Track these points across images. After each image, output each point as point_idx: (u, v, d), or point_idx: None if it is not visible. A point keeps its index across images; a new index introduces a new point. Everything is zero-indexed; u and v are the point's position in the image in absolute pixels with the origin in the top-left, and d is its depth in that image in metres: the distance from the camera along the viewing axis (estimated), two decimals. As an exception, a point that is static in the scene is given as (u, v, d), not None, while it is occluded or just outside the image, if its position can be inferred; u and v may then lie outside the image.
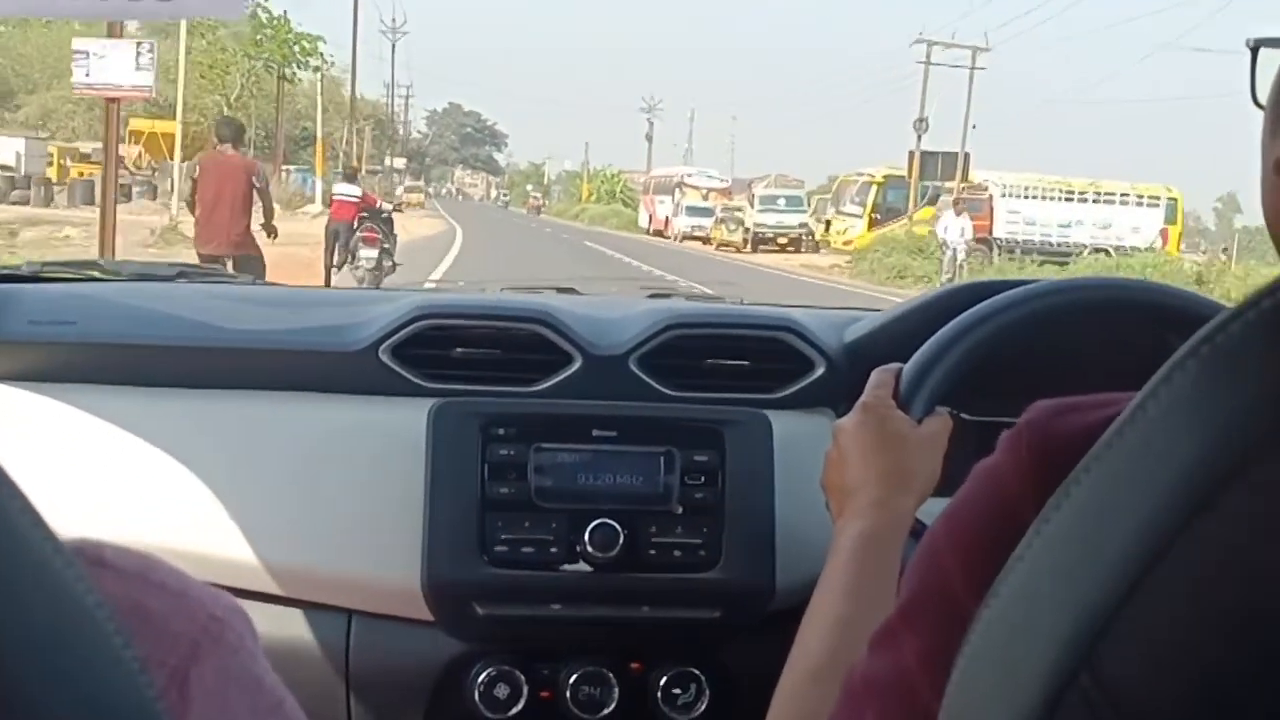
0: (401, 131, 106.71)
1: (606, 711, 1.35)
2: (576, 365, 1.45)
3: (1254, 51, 0.67)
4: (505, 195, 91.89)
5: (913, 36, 34.65)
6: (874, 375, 1.18)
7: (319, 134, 33.54)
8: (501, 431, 1.33)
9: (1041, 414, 0.61)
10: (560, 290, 1.91)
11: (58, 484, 1.32)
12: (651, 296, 1.90)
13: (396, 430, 1.37)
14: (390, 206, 15.40)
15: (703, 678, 1.36)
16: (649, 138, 77.06)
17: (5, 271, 1.74)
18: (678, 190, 43.05)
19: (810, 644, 0.96)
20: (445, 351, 1.45)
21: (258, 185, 8.95)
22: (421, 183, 75.85)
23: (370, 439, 1.39)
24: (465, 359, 1.45)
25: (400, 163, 78.09)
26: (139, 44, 10.50)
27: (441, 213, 51.88)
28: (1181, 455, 0.43)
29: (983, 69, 33.68)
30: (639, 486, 1.34)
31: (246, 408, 1.43)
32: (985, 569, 0.53)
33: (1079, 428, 0.57)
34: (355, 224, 12.86)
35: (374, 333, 1.45)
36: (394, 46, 69.04)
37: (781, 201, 35.38)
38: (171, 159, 30.05)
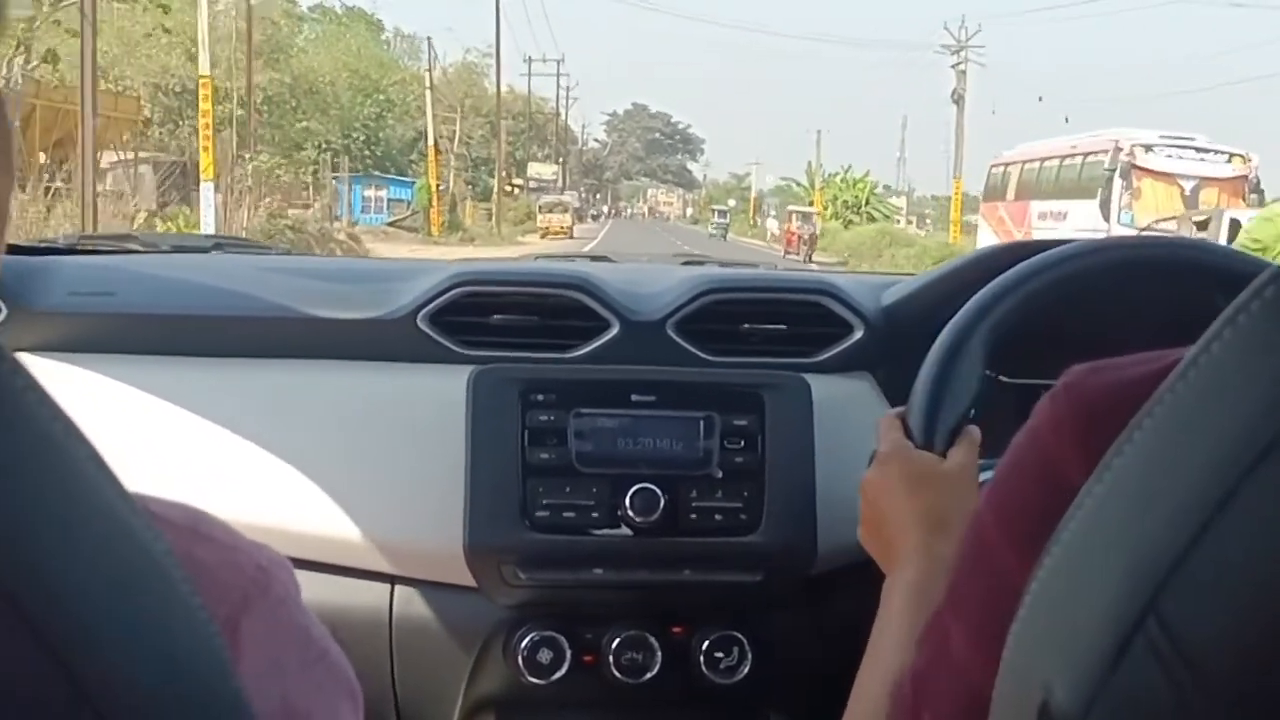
0: (580, 136, 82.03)
1: (649, 675, 1.35)
2: (614, 331, 1.45)
3: None
4: (723, 219, 53.19)
5: None
6: (880, 424, 1.14)
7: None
8: (541, 397, 1.34)
9: (1077, 375, 0.60)
10: (594, 258, 1.91)
11: (109, 460, 1.34)
12: (686, 264, 1.90)
13: (436, 397, 1.37)
14: None
15: (745, 641, 1.36)
16: (957, 98, 35.87)
17: (44, 244, 1.76)
18: (1119, 183, 19.29)
19: (865, 695, 0.94)
20: (483, 319, 1.45)
21: None
22: (568, 198, 49.24)
23: (410, 406, 1.39)
24: (503, 326, 1.45)
25: (547, 171, 57.08)
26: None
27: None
28: (1246, 399, 0.43)
29: None
30: (679, 451, 1.34)
31: (286, 376, 1.44)
32: (1034, 535, 0.53)
33: (1117, 382, 0.57)
34: None
35: (412, 300, 1.45)
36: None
37: None
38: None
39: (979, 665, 0.60)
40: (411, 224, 31.29)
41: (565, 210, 42.01)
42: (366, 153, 38.55)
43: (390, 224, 31.63)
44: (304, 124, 32.17)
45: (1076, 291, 1.18)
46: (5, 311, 1.42)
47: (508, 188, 47.71)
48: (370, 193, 36.20)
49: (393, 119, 39.55)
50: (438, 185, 31.53)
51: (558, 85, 67.43)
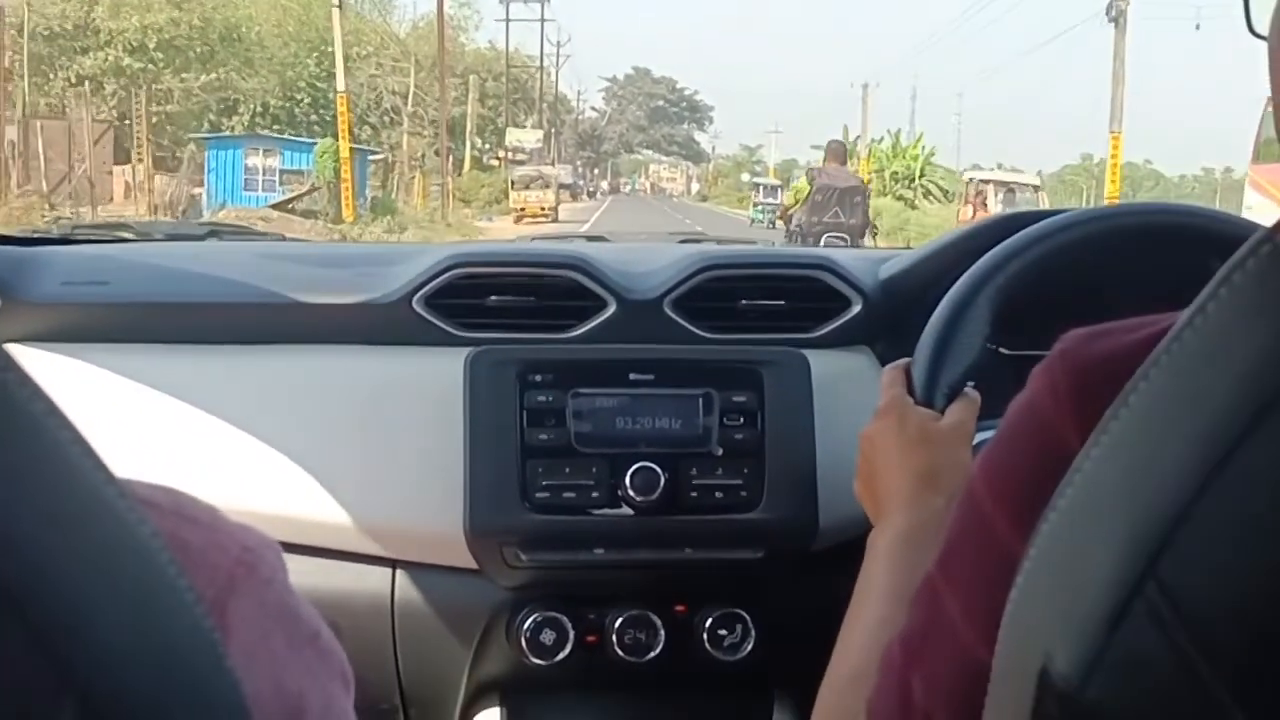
0: (576, 103, 70.58)
1: (652, 655, 1.35)
2: (611, 310, 1.44)
3: None
4: (772, 198, 32.84)
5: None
6: (884, 375, 1.15)
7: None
8: (538, 378, 1.33)
9: (1074, 341, 0.60)
10: (590, 239, 1.91)
11: (93, 443, 1.33)
12: (683, 242, 1.89)
13: (433, 380, 1.37)
14: None
15: (748, 618, 1.36)
16: (1116, 14, 18.86)
17: (36, 234, 1.75)
18: None
19: (850, 645, 0.94)
20: (479, 300, 1.44)
21: None
22: (552, 170, 36.38)
23: (407, 389, 1.39)
24: (500, 307, 1.44)
25: (530, 138, 45.31)
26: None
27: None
28: (1242, 359, 0.42)
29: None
30: (678, 429, 1.34)
31: (282, 362, 1.43)
32: (1028, 501, 0.53)
33: (1114, 347, 0.56)
34: None
35: (407, 283, 1.44)
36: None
37: None
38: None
39: (970, 629, 0.60)
40: (311, 205, 21.76)
41: (547, 185, 31.99)
42: (313, 116, 31.42)
43: (277, 206, 21.43)
44: (213, 75, 24.90)
45: (1081, 258, 1.19)
46: None
47: (493, 161, 42.32)
48: (256, 161, 24.35)
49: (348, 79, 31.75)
50: (352, 150, 22.12)
51: (542, 29, 55.45)
